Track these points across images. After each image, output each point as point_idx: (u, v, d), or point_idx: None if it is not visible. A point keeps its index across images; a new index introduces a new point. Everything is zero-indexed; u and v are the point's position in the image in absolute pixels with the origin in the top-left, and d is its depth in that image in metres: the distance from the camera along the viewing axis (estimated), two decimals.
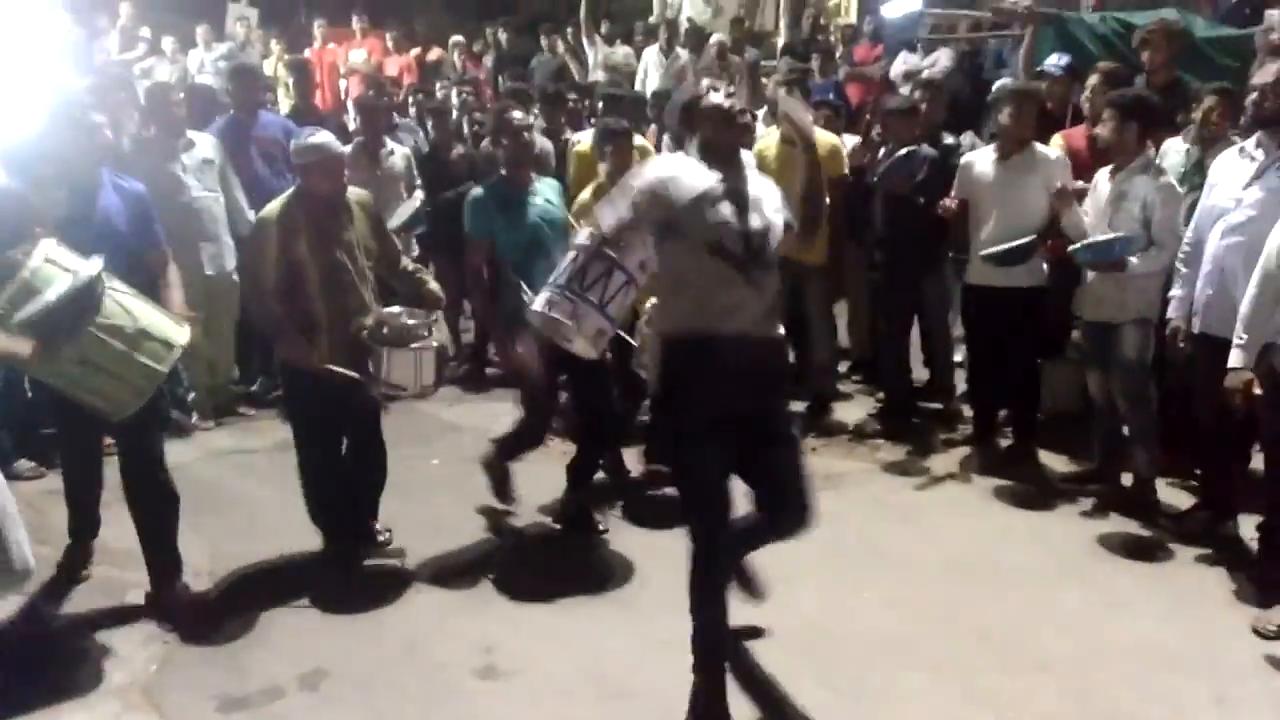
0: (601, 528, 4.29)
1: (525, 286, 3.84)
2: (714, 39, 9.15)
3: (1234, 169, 3.90)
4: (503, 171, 4.22)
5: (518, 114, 4.32)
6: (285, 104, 8.14)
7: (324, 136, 3.72)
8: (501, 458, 4.32)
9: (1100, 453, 4.71)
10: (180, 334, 3.13)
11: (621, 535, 4.22)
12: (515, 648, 3.39)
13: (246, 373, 6.08)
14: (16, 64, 6.23)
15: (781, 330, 3.07)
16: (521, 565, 3.97)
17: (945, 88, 5.97)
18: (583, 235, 3.47)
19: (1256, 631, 3.50)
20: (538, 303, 3.43)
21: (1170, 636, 3.49)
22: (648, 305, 3.94)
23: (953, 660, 3.35)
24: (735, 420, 2.89)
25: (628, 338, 4.14)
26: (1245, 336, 3.49)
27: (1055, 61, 5.48)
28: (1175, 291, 4.14)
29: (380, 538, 4.10)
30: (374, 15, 11.22)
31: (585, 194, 4.61)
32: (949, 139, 5.42)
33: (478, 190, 4.18)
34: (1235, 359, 3.51)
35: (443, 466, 5.00)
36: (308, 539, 3.97)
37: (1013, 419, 5.11)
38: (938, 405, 5.68)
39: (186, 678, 3.08)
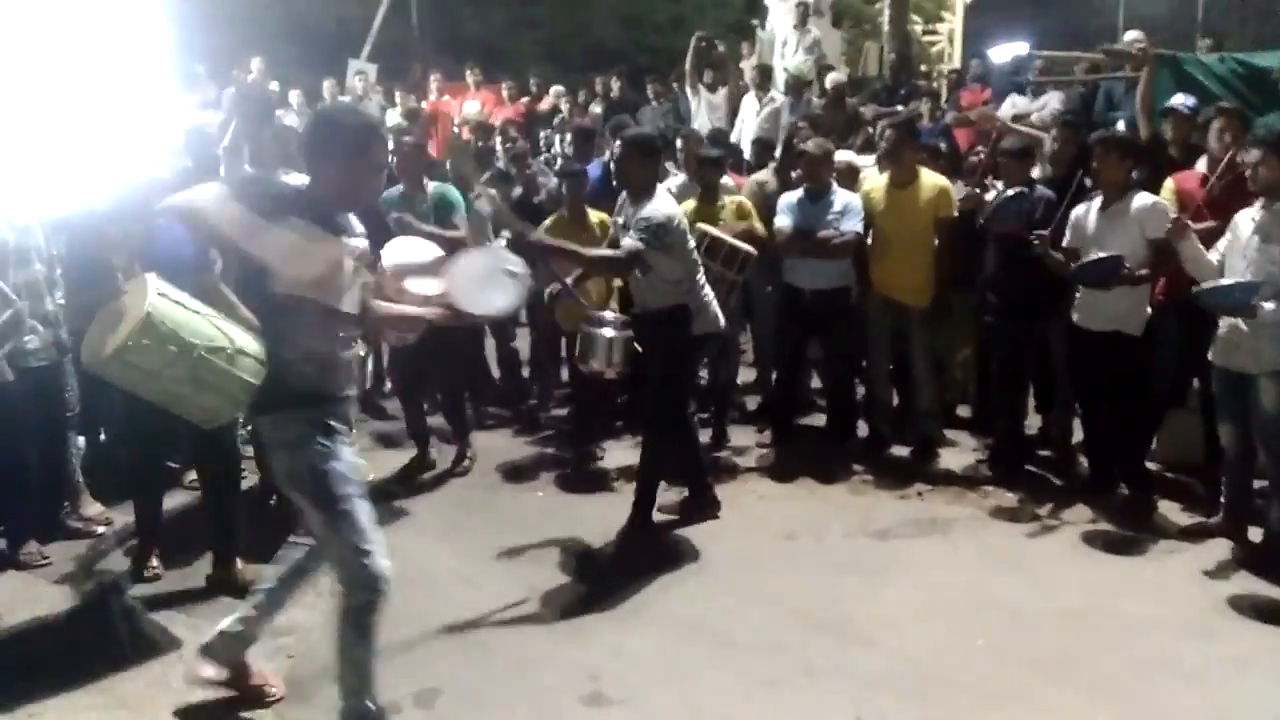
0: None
1: None
2: (831, 79, 9.18)
3: None
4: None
5: (407, 138, 5.64)
6: None
7: None
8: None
9: (1226, 506, 4.52)
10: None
11: (723, 574, 4.24)
12: (620, 677, 3.42)
13: None
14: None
15: None
16: (625, 597, 4.00)
17: (1083, 129, 5.58)
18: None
19: None
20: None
21: None
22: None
23: (1071, 714, 3.25)
24: None
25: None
26: None
27: (1183, 100, 5.31)
28: None
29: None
30: (486, 69, 11.70)
31: (547, 221, 5.73)
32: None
33: (395, 189, 5.40)
34: None
35: (547, 499, 5.12)
36: (421, 566, 4.09)
37: (1121, 468, 4.94)
38: (1050, 453, 5.54)
39: (311, 692, 3.20)
